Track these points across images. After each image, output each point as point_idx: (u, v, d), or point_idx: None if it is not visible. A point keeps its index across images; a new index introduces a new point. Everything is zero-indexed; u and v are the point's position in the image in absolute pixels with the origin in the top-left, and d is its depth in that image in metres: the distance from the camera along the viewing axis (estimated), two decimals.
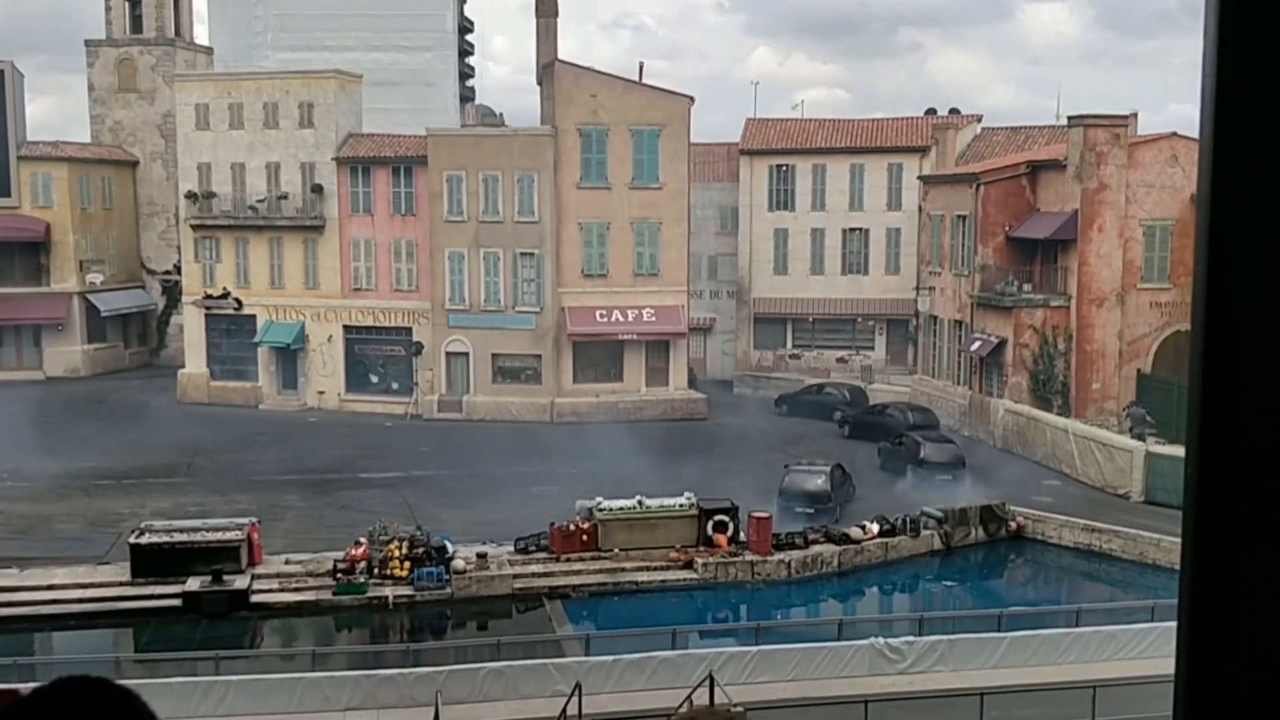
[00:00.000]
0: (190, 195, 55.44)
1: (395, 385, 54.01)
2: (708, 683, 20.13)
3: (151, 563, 30.03)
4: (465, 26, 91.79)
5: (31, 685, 1.68)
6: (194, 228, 55.71)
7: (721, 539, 32.46)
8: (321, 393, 54.54)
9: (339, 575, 30.40)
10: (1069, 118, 46.54)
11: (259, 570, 30.76)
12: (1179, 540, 1.43)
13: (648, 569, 31.89)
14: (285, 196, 54.43)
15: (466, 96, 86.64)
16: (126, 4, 67.30)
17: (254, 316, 55.20)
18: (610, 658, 23.74)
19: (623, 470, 38.47)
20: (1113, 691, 21.44)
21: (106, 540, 33.38)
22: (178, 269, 60.65)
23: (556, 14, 53.54)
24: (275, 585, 30.43)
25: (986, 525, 35.75)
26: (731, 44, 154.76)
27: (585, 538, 32.32)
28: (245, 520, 31.89)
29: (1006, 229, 46.94)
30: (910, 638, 25.30)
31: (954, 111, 62.94)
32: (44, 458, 41.53)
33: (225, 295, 55.27)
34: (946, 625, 27.66)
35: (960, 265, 49.56)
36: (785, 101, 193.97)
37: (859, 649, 24.66)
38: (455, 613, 30.44)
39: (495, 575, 30.78)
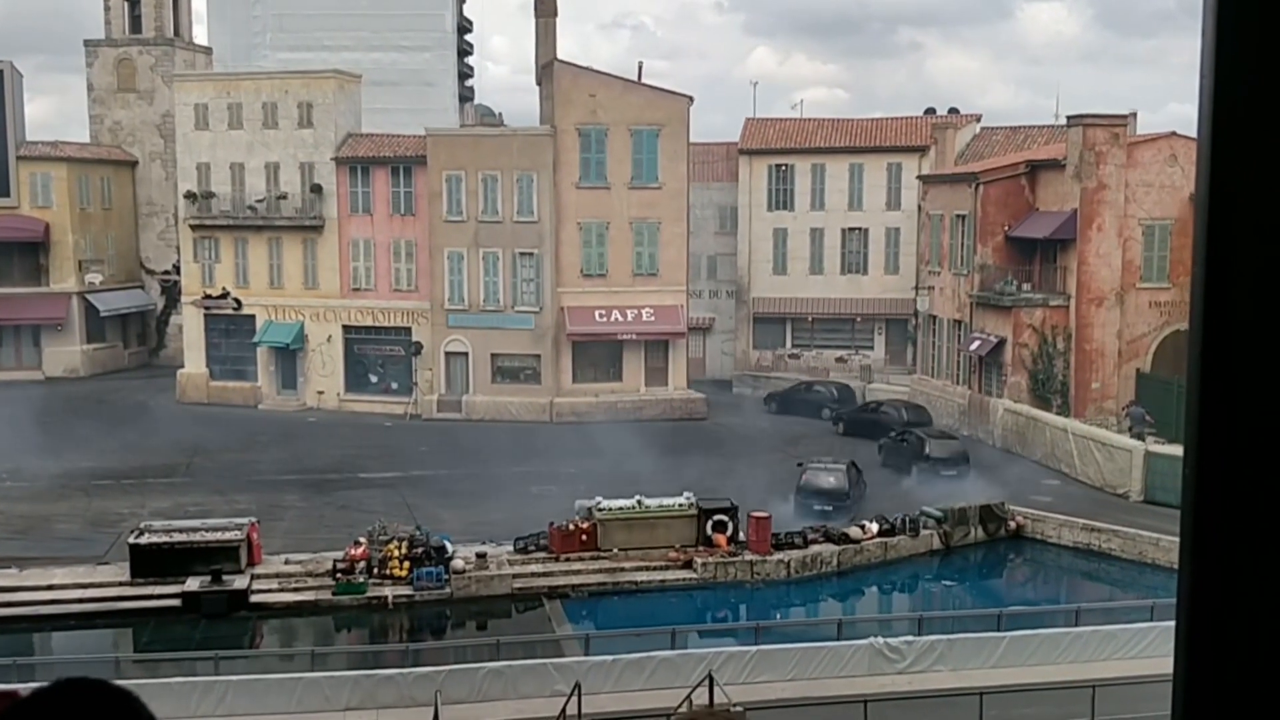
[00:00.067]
0: (189, 195, 55.43)
1: (394, 385, 54.01)
2: (707, 682, 20.14)
3: (151, 563, 30.03)
4: (464, 26, 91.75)
5: (31, 686, 1.68)
6: (193, 228, 55.70)
7: (721, 539, 32.47)
8: (321, 393, 54.54)
9: (338, 575, 30.40)
10: (1068, 117, 46.54)
11: (258, 570, 30.76)
12: (1178, 539, 1.43)
13: (647, 569, 31.89)
14: (284, 196, 54.43)
15: (465, 96, 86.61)
16: (125, 4, 67.30)
17: (253, 316, 55.21)
18: (609, 657, 23.73)
19: (623, 470, 38.50)
20: (1112, 691, 21.44)
21: (106, 540, 33.38)
22: (177, 269, 60.65)
23: (555, 14, 53.55)
24: (275, 585, 30.43)
25: (986, 525, 35.76)
26: (731, 44, 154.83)
27: (584, 537, 32.32)
28: (244, 520, 31.88)
29: (1006, 228, 46.95)
30: (910, 637, 25.30)
31: (953, 111, 62.94)
32: (43, 458, 41.51)
33: (224, 295, 55.27)
34: (946, 625, 27.66)
35: (959, 265, 49.57)
36: (784, 101, 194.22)
37: (858, 649, 24.66)
38: (454, 612, 30.44)
39: (494, 575, 30.78)
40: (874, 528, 34.14)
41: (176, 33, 68.24)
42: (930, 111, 63.12)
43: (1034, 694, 22.37)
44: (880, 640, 24.88)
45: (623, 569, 31.82)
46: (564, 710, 20.39)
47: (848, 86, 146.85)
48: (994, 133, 58.40)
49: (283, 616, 29.96)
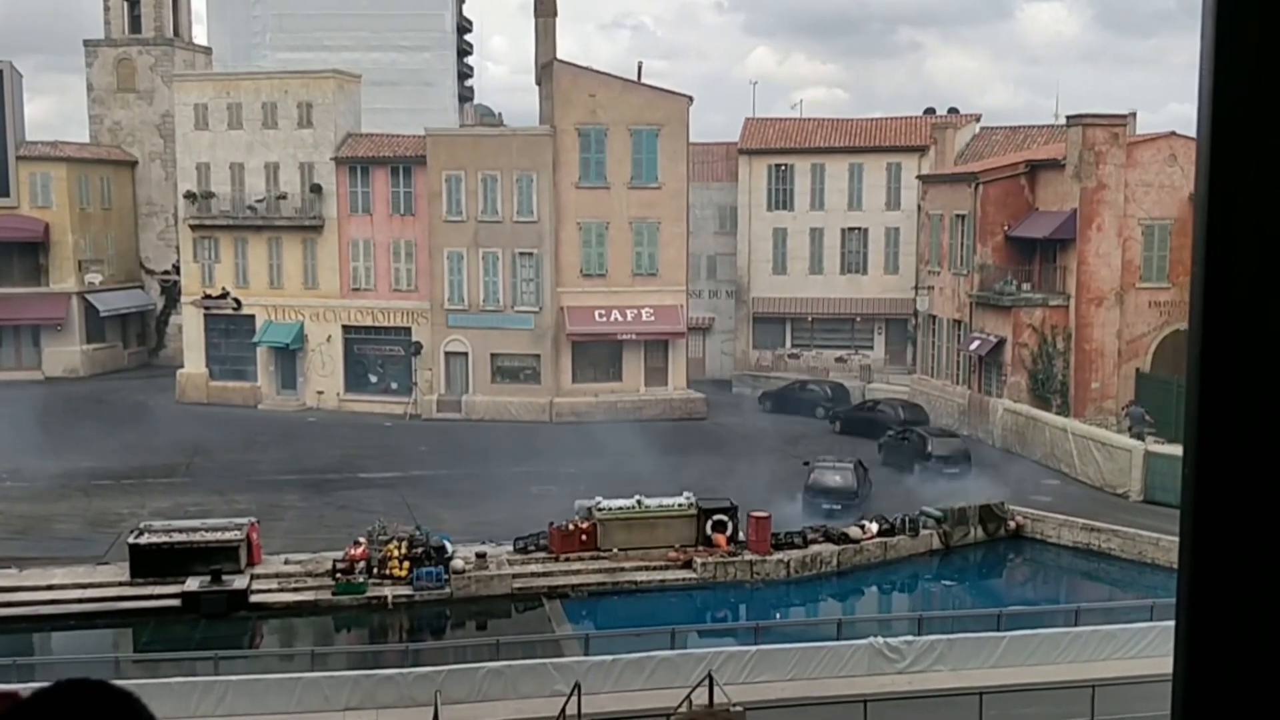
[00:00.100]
0: (189, 195, 55.43)
1: (394, 385, 54.01)
2: (707, 682, 20.14)
3: (150, 563, 30.02)
4: (464, 26, 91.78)
5: (32, 686, 1.68)
6: (193, 228, 55.70)
7: (720, 538, 32.47)
8: (320, 392, 54.54)
9: (338, 575, 30.39)
10: (1068, 117, 46.54)
11: (258, 570, 30.75)
12: (1177, 539, 1.43)
13: (647, 569, 31.89)
14: (284, 196, 54.42)
15: (465, 96, 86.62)
16: (125, 4, 67.29)
17: (253, 316, 55.20)
18: (609, 657, 23.73)
19: (622, 470, 38.51)
20: (1111, 691, 21.44)
21: (105, 540, 33.38)
22: (176, 269, 60.66)
23: (555, 14, 53.54)
24: (274, 585, 30.42)
25: (985, 525, 35.76)
26: (730, 44, 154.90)
27: (584, 537, 32.32)
28: (244, 520, 31.88)
29: (1005, 228, 46.95)
30: (909, 637, 25.30)
31: (953, 111, 62.94)
32: (43, 458, 41.51)
33: (224, 295, 55.26)
34: (945, 625, 27.65)
35: (959, 264, 49.57)
36: (784, 101, 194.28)
37: (858, 648, 24.65)
38: (454, 612, 30.44)
39: (494, 575, 30.78)
40: (873, 528, 34.14)
41: (176, 33, 68.23)
42: (930, 111, 63.12)
43: (1034, 694, 22.36)
44: (880, 640, 24.88)
45: (622, 569, 31.82)
46: (564, 710, 20.39)
47: (847, 86, 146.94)
48: (993, 133, 58.40)
49: (282, 616, 29.95)
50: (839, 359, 58.19)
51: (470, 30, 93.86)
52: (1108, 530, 35.08)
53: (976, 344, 47.06)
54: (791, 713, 22.18)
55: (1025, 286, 45.86)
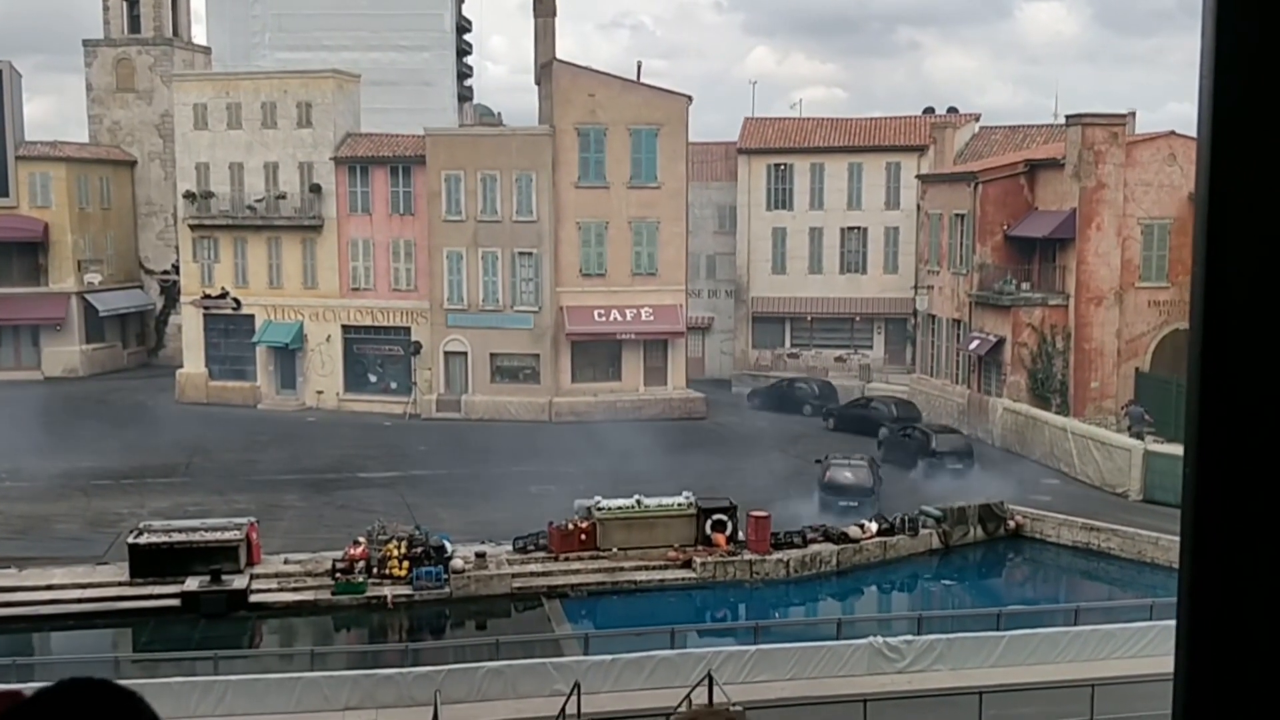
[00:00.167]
0: (188, 195, 55.41)
1: (394, 385, 54.00)
2: (706, 682, 20.13)
3: (150, 563, 30.01)
4: (463, 26, 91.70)
5: (33, 686, 1.68)
6: (192, 227, 55.69)
7: (720, 538, 32.47)
8: (320, 392, 54.53)
9: (338, 575, 30.39)
10: (1067, 116, 46.53)
11: (258, 570, 30.75)
12: (1177, 539, 1.43)
13: (646, 568, 31.89)
14: (283, 196, 54.41)
15: (464, 96, 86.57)
16: (124, 4, 67.26)
17: (252, 316, 55.19)
18: (609, 657, 23.73)
19: (622, 469, 38.50)
20: (1111, 690, 21.44)
21: (105, 540, 33.36)
22: (176, 269, 60.64)
23: (554, 13, 53.54)
24: (274, 585, 30.42)
25: (985, 524, 35.77)
26: (729, 43, 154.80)
27: (584, 537, 32.31)
28: (244, 520, 31.87)
29: (1005, 228, 46.95)
30: (909, 637, 25.30)
31: (952, 110, 62.92)
32: (43, 458, 41.49)
33: (223, 295, 55.25)
34: (945, 624, 27.64)
35: (959, 264, 49.57)
36: (783, 100, 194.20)
37: (858, 648, 24.65)
38: (454, 612, 30.43)
39: (494, 575, 30.77)
40: (873, 527, 34.16)
41: (175, 32, 68.22)
42: (929, 111, 63.09)
43: (1033, 693, 22.36)
44: (879, 640, 24.88)
45: (622, 568, 31.82)
46: (563, 710, 20.39)
47: (846, 86, 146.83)
48: (993, 132, 58.39)
49: (282, 616, 29.95)
50: (838, 359, 58.19)
51: (470, 30, 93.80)
52: (1107, 529, 35.08)
53: (976, 343, 47.06)
54: (791, 712, 22.17)
55: (1025, 286, 45.86)
